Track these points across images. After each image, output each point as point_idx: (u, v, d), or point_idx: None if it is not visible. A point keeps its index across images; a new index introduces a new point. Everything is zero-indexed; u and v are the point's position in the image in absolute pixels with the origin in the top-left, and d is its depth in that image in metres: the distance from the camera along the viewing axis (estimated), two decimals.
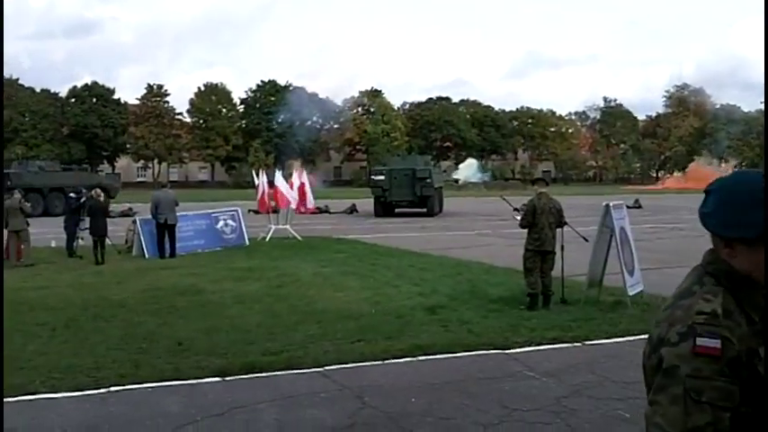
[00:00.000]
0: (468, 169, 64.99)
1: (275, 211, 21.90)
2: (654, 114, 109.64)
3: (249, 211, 24.83)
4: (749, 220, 1.67)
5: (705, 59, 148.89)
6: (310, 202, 23.46)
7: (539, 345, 8.46)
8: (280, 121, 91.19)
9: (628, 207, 12.79)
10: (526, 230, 10.71)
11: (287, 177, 22.81)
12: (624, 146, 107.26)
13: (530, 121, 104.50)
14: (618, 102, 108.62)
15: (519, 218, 10.99)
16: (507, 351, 8.18)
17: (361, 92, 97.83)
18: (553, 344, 8.51)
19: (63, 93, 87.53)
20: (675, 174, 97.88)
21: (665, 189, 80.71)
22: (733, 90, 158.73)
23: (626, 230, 11.03)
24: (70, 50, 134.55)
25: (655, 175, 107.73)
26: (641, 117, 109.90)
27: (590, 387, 6.83)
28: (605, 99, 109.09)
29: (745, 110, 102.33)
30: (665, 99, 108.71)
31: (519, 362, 7.75)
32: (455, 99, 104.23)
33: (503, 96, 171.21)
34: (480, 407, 6.25)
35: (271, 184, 22.15)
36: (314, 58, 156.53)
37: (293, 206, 22.02)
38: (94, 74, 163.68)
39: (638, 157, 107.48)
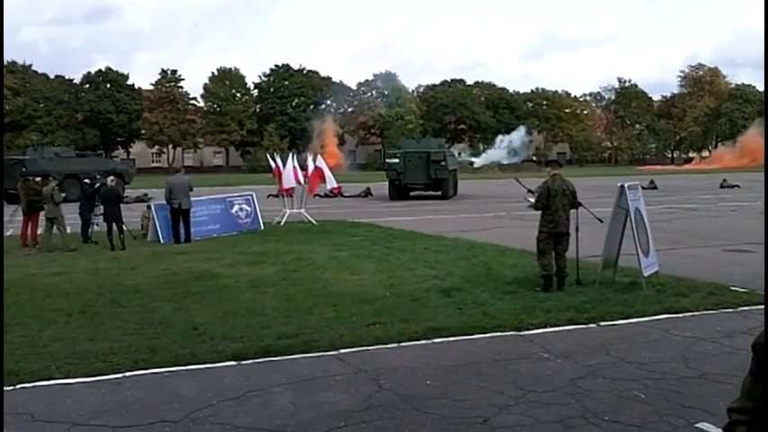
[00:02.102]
0: (515, 139, 64.04)
1: (290, 195, 21.88)
2: (669, 95, 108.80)
3: (268, 196, 24.69)
4: None
5: (721, 39, 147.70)
6: (331, 183, 22.78)
7: (554, 326, 8.44)
8: (294, 105, 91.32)
9: (643, 188, 12.70)
10: (540, 213, 10.67)
11: (303, 161, 22.73)
12: (639, 127, 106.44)
13: (544, 102, 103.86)
14: (632, 82, 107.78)
15: (532, 200, 10.93)
16: (522, 333, 8.16)
17: (375, 75, 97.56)
18: (568, 325, 8.49)
19: (77, 79, 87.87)
20: (722, 147, 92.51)
21: (722, 168, 72.25)
22: (748, 69, 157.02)
23: (641, 211, 10.94)
24: (88, 36, 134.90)
25: (670, 155, 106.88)
26: (656, 97, 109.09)
27: (605, 368, 6.80)
28: (620, 80, 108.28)
29: (761, 89, 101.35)
30: (679, 79, 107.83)
31: (534, 343, 7.73)
32: (472, 81, 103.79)
33: (519, 78, 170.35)
34: (495, 388, 6.24)
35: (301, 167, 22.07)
36: (329, 42, 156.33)
37: (307, 190, 21.97)
38: (111, 60, 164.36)
39: (654, 137, 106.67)
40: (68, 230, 17.06)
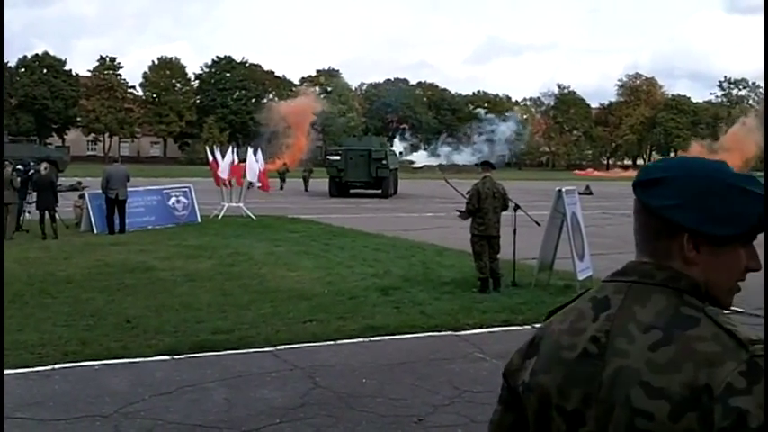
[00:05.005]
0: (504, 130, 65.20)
1: (226, 186, 21.57)
2: (607, 103, 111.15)
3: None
4: (734, 212, 1.27)
5: (660, 50, 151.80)
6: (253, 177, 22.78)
7: (490, 327, 8.54)
8: (235, 97, 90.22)
9: (579, 193, 12.96)
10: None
11: (243, 155, 22.51)
12: (577, 133, 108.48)
13: (485, 105, 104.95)
14: (571, 89, 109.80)
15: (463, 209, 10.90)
16: (459, 333, 8.24)
17: (318, 71, 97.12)
18: (504, 326, 8.60)
19: (12, 63, 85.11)
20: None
21: None
22: (684, 80, 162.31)
23: (577, 216, 11.17)
24: (28, 20, 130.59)
25: (605, 162, 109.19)
26: (594, 105, 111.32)
27: None
28: (559, 86, 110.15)
29: (695, 100, 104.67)
30: (617, 88, 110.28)
31: (470, 343, 7.81)
32: (416, 81, 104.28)
33: (464, 80, 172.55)
34: (431, 388, 6.28)
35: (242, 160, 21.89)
36: (275, 36, 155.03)
37: (254, 181, 21.76)
38: (51, 45, 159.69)
39: (590, 144, 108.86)
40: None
